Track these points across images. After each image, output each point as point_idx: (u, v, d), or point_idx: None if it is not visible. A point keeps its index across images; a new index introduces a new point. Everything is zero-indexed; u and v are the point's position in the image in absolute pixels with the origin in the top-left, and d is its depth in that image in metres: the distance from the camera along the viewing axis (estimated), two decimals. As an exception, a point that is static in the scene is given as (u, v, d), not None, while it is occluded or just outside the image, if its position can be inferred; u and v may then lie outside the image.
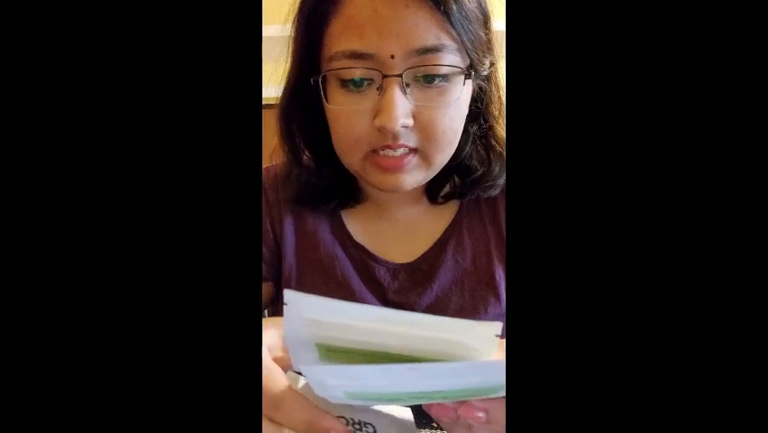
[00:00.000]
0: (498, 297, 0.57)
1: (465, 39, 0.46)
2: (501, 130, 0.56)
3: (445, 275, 0.58)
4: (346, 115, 0.48)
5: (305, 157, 0.57)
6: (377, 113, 0.46)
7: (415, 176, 0.50)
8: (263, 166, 0.64)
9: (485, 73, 0.51)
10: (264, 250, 0.60)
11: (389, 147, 0.47)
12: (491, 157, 0.56)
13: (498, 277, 0.57)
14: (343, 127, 0.49)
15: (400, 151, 0.48)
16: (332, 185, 0.57)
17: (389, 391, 0.28)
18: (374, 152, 0.48)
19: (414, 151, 0.48)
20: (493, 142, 0.56)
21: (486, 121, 0.55)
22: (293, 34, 0.52)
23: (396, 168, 0.48)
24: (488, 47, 0.50)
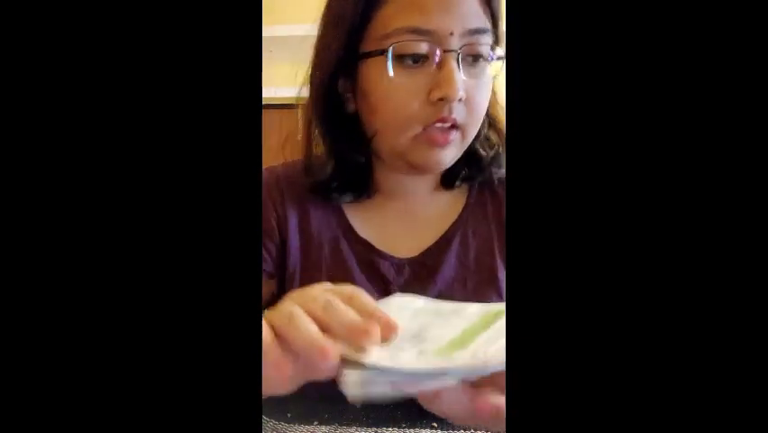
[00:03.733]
0: (500, 294, 0.59)
1: (498, 23, 0.52)
2: (498, 113, 0.61)
3: (449, 272, 0.59)
4: (398, 92, 0.50)
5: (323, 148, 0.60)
6: (434, 87, 0.49)
7: (453, 151, 0.54)
8: (267, 166, 0.65)
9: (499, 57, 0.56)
10: (271, 247, 0.61)
11: (442, 120, 0.51)
12: (496, 139, 0.61)
13: (500, 275, 0.60)
14: (398, 104, 0.51)
15: (448, 125, 0.51)
16: (348, 174, 0.59)
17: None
18: (425, 129, 0.51)
19: (458, 127, 0.52)
20: (498, 126, 0.61)
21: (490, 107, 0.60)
22: (336, 15, 0.54)
23: (444, 142, 0.52)
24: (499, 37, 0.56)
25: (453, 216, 0.62)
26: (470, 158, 0.60)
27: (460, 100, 0.50)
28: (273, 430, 0.49)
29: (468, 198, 0.63)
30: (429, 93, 0.50)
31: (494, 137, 0.61)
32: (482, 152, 0.60)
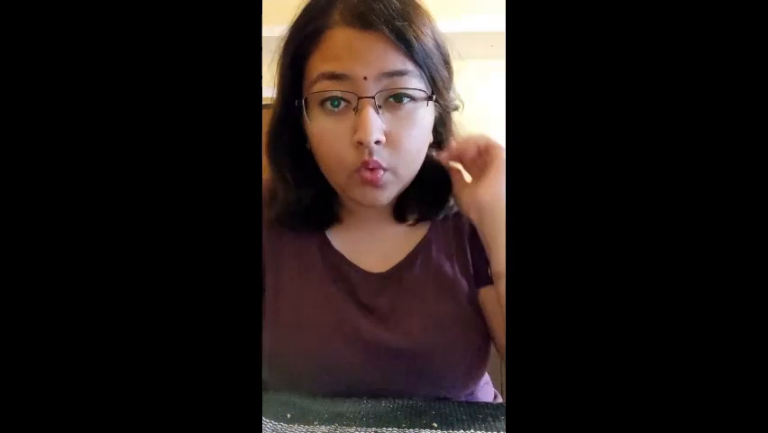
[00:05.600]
0: (458, 303, 0.63)
1: (425, 67, 0.54)
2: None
3: (412, 284, 0.64)
4: (327, 136, 0.55)
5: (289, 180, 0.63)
6: (354, 131, 0.53)
7: (389, 191, 0.57)
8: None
9: (453, 107, 0.61)
10: None
11: (366, 165, 0.54)
12: (452, 178, 0.63)
13: (458, 286, 0.64)
14: (326, 146, 0.55)
15: (374, 166, 0.54)
16: (313, 206, 0.63)
17: None
18: (357, 170, 0.55)
19: (385, 169, 0.55)
20: (454, 167, 0.63)
21: (447, 144, 0.63)
22: (279, 70, 0.59)
23: (373, 182, 0.55)
24: (448, 82, 0.59)
25: (418, 238, 0.66)
26: (425, 196, 0.63)
27: (378, 143, 0.53)
28: (273, 430, 0.49)
29: (430, 225, 0.67)
30: (352, 136, 0.53)
31: (454, 176, 0.63)
32: (436, 191, 0.63)
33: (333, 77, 0.53)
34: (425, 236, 0.66)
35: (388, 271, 0.64)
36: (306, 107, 0.55)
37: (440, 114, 0.60)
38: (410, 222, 0.65)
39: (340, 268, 0.64)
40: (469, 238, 0.66)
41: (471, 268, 0.65)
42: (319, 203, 0.63)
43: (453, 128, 0.63)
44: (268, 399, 0.56)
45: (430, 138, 0.60)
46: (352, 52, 0.52)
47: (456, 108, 0.62)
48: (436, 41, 0.57)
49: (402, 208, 0.65)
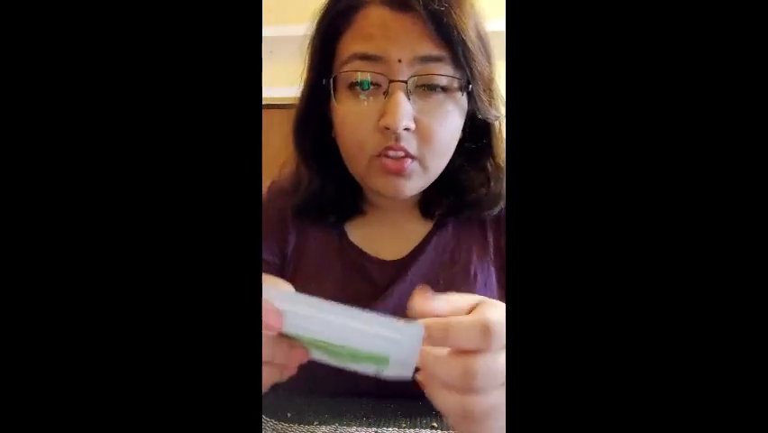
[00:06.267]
0: (472, 292, 0.59)
1: (463, 57, 0.51)
2: (501, 150, 0.59)
3: (422, 266, 0.61)
4: (353, 118, 0.52)
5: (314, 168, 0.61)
6: (382, 115, 0.50)
7: (414, 182, 0.54)
8: (271, 179, 0.68)
9: (494, 116, 0.55)
10: (273, 244, 0.64)
11: (392, 149, 0.51)
12: (491, 177, 0.59)
13: (473, 274, 0.60)
14: (350, 129, 0.53)
15: (401, 153, 0.51)
16: (336, 197, 0.61)
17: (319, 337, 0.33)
18: (378, 156, 0.52)
19: (413, 157, 0.52)
20: (498, 161, 0.59)
21: (487, 140, 0.58)
22: (309, 49, 0.57)
23: (398, 171, 0.52)
24: (489, 79, 0.55)
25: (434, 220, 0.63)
26: (455, 191, 0.59)
27: (407, 129, 0.50)
28: (273, 430, 0.49)
29: None
30: (378, 120, 0.51)
31: (490, 174, 0.59)
32: (468, 187, 0.59)
33: (366, 57, 0.50)
34: (442, 220, 0.63)
35: (405, 257, 0.61)
36: (334, 89, 0.53)
37: (475, 112, 0.55)
38: (436, 219, 0.62)
39: (359, 264, 0.62)
40: (491, 220, 0.62)
41: (492, 254, 0.61)
42: (343, 194, 0.61)
43: (495, 124, 0.58)
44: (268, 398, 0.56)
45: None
46: (387, 33, 0.50)
47: (497, 118, 0.57)
48: (479, 32, 0.53)
49: (428, 204, 0.61)
